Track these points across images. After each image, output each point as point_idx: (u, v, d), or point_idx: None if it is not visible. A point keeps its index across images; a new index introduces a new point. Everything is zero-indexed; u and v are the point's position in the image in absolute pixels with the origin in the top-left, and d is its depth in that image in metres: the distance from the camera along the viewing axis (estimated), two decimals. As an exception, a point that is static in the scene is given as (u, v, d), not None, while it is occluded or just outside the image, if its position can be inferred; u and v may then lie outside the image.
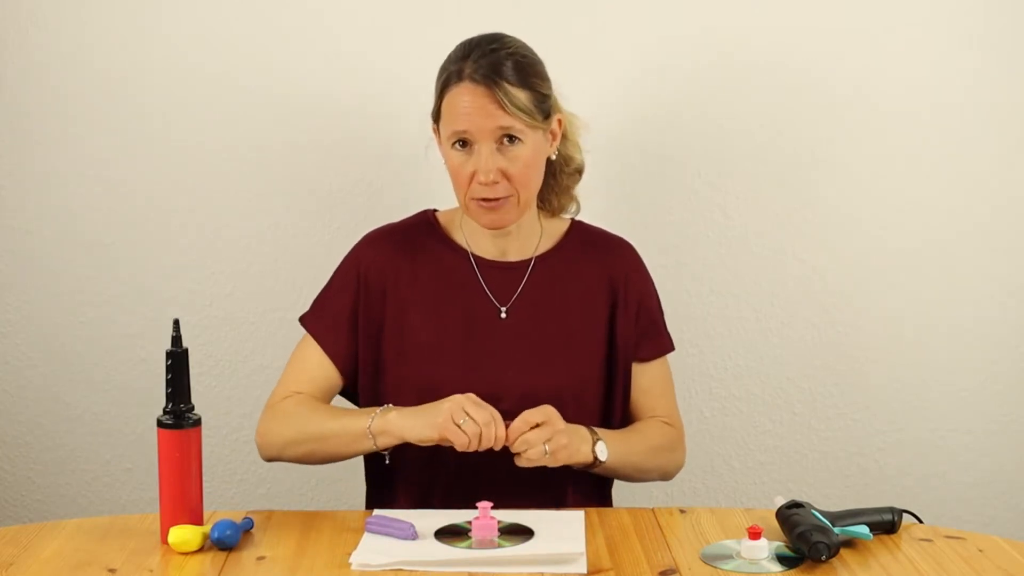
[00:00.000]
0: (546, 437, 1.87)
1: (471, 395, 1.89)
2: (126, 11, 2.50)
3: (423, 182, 2.44)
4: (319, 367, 2.07)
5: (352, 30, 2.51)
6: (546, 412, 1.89)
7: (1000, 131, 2.56)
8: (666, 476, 2.13)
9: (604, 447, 1.95)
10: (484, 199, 1.96)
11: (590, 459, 1.94)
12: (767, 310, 2.60)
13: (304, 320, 2.11)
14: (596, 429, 1.99)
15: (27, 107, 2.52)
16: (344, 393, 2.13)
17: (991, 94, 2.54)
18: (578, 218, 2.17)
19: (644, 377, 2.12)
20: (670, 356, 2.17)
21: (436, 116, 2.00)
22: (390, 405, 1.97)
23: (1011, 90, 2.54)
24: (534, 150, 1.96)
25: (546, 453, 1.87)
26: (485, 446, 1.85)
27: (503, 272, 2.07)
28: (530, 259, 2.08)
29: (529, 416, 1.88)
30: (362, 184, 2.55)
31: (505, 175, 1.95)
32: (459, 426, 1.84)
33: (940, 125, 2.55)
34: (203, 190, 2.55)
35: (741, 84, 2.54)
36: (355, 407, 2.05)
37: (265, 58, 2.52)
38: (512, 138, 1.94)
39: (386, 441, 1.92)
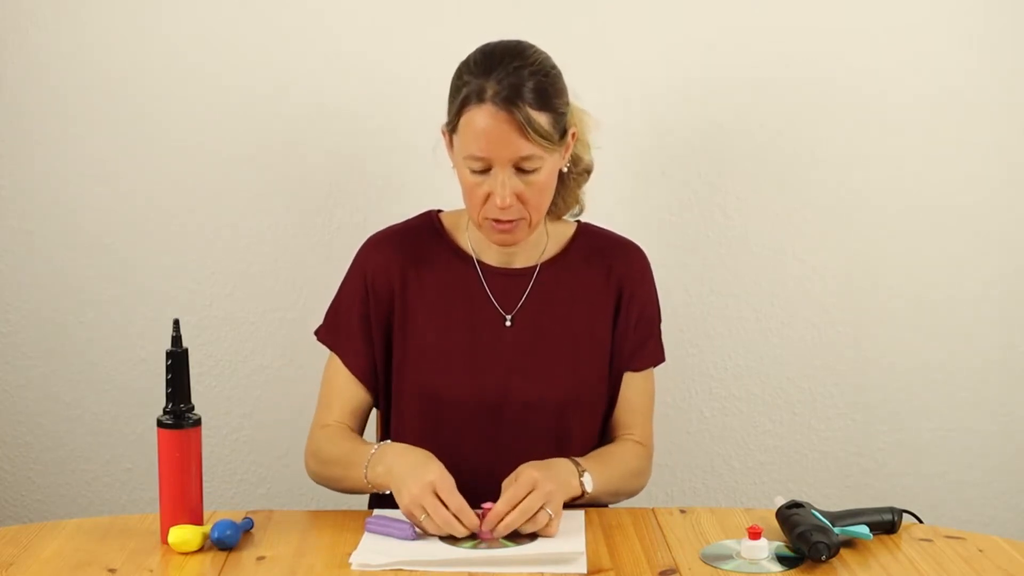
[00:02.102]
0: (541, 502, 1.79)
1: (439, 483, 1.79)
2: (126, 11, 2.50)
3: (424, 182, 2.44)
4: (347, 385, 2.06)
5: (352, 30, 2.51)
6: (530, 480, 1.80)
7: (1000, 131, 2.56)
8: (631, 496, 2.09)
9: (589, 477, 1.92)
10: (497, 220, 1.94)
11: (579, 492, 1.90)
12: (767, 310, 2.60)
13: (320, 335, 2.10)
14: (577, 460, 1.94)
15: (27, 107, 2.53)
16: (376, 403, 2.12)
17: (991, 94, 2.54)
18: (584, 219, 2.15)
19: (631, 388, 2.09)
20: (667, 362, 2.15)
21: (452, 128, 1.94)
22: (383, 444, 1.92)
23: (1011, 90, 2.54)
24: (550, 172, 1.94)
25: (551, 516, 1.80)
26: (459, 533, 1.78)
27: (509, 279, 2.05)
28: (535, 266, 2.06)
29: (513, 496, 1.79)
30: (362, 184, 2.55)
31: (520, 198, 1.92)
32: (418, 518, 1.79)
33: (940, 125, 2.55)
34: (203, 190, 2.55)
35: (741, 84, 2.54)
36: (360, 446, 1.99)
37: (265, 58, 2.52)
38: (531, 163, 1.90)
39: (384, 490, 1.89)
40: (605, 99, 2.47)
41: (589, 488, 1.91)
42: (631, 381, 2.10)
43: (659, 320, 2.14)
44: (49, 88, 2.52)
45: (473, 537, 1.78)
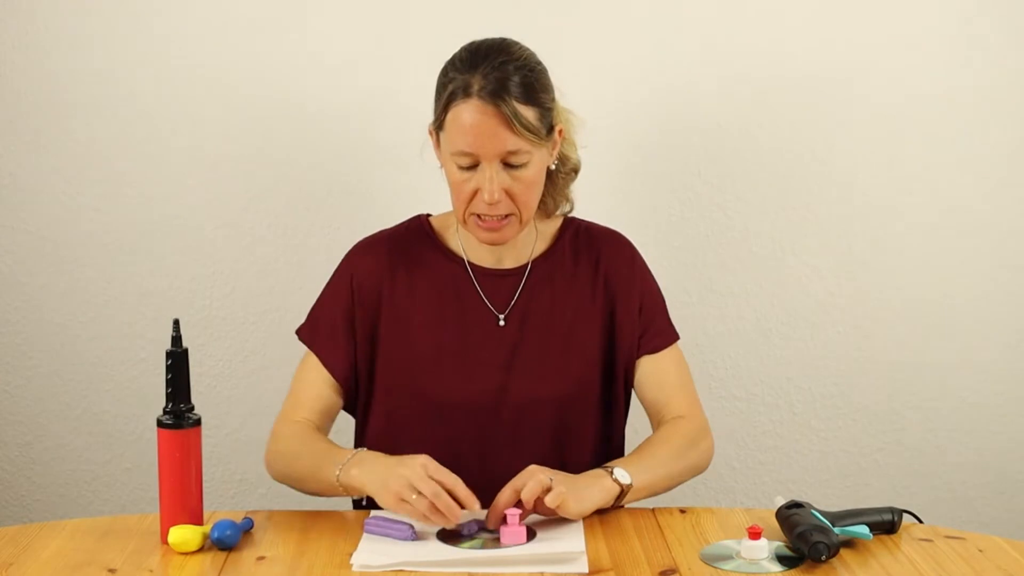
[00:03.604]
0: (543, 484, 1.78)
1: (426, 462, 1.79)
2: (127, 12, 2.50)
3: (424, 182, 2.44)
4: (320, 384, 2.04)
5: (349, 31, 2.51)
6: (530, 470, 1.81)
7: (1002, 131, 2.56)
8: (698, 471, 2.04)
9: (623, 471, 1.88)
10: (484, 217, 1.93)
11: (616, 489, 1.86)
12: (767, 310, 2.60)
13: (301, 333, 2.09)
14: (606, 465, 1.90)
15: (27, 107, 2.53)
16: (348, 407, 2.10)
17: (993, 94, 2.55)
18: (571, 213, 2.14)
19: (657, 369, 2.06)
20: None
21: (438, 126, 1.93)
22: (361, 450, 1.90)
23: (1012, 90, 2.55)
24: (538, 168, 1.93)
25: (551, 480, 1.78)
26: (451, 515, 1.76)
27: (500, 279, 2.05)
28: (526, 264, 2.06)
29: (516, 483, 1.79)
30: (362, 184, 2.55)
31: (509, 193, 1.91)
32: (408, 502, 1.76)
33: (941, 125, 2.56)
34: (203, 190, 2.55)
35: (741, 84, 2.54)
36: (335, 448, 1.96)
37: (264, 60, 2.52)
38: (518, 158, 1.89)
39: (355, 493, 1.88)
40: (605, 98, 2.48)
41: (626, 479, 1.87)
42: (652, 364, 2.07)
43: (662, 301, 2.11)
44: (49, 88, 2.52)
45: (471, 538, 1.78)
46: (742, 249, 2.59)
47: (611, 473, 1.87)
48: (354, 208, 2.55)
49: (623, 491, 1.87)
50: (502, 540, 1.77)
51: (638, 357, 2.07)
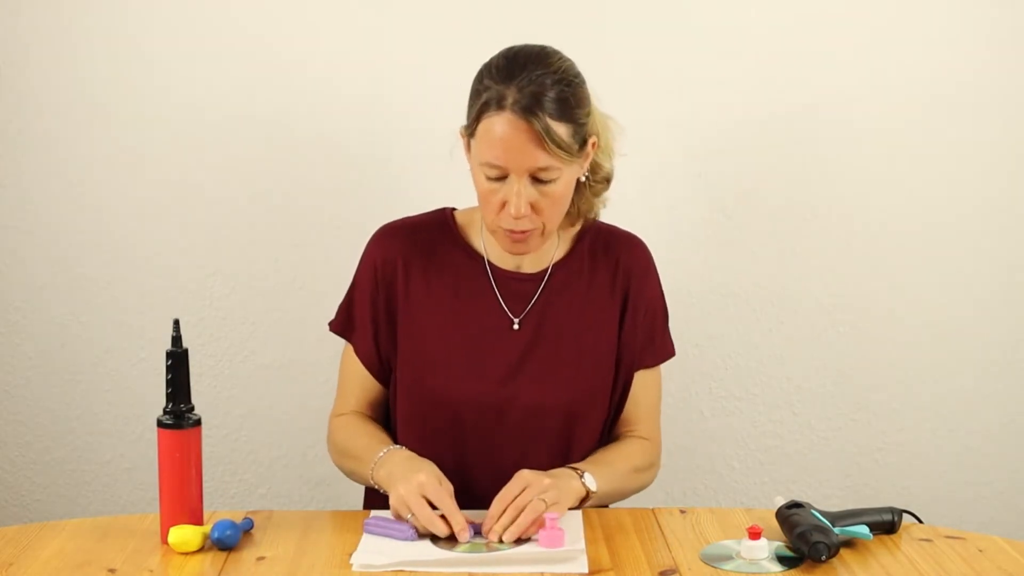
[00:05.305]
0: (536, 494, 1.80)
1: (427, 483, 1.81)
2: (128, 10, 2.50)
3: (425, 182, 2.44)
4: (361, 375, 2.07)
5: (356, 29, 2.51)
6: (523, 479, 1.82)
7: (1002, 132, 2.56)
8: (639, 491, 2.08)
9: (591, 477, 1.91)
10: (511, 229, 1.92)
11: (583, 492, 1.90)
12: (767, 310, 2.60)
13: (334, 326, 2.10)
14: (574, 464, 1.94)
15: (27, 107, 2.52)
16: None
17: (992, 95, 2.55)
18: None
19: (639, 385, 2.08)
20: (667, 362, 2.13)
21: (470, 132, 1.90)
22: (390, 449, 1.93)
23: (1012, 91, 2.54)
24: (567, 184, 1.91)
25: (547, 504, 1.79)
26: (443, 535, 1.78)
27: (519, 283, 2.03)
28: (546, 269, 2.04)
29: (506, 494, 1.80)
30: (364, 184, 2.55)
31: (535, 208, 1.89)
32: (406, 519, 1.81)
33: (941, 125, 2.56)
34: (203, 190, 2.55)
35: (742, 84, 2.54)
36: (372, 444, 1.98)
37: (267, 57, 2.51)
38: (548, 174, 1.87)
39: (385, 492, 1.90)
40: (605, 99, 2.47)
41: (593, 486, 1.90)
42: (640, 378, 2.08)
43: (666, 315, 2.12)
44: (50, 88, 2.52)
45: (468, 542, 1.78)
46: (742, 249, 2.59)
47: (581, 476, 1.90)
48: (356, 208, 2.54)
49: (587, 497, 1.90)
50: (541, 544, 1.75)
51: (636, 369, 2.07)
